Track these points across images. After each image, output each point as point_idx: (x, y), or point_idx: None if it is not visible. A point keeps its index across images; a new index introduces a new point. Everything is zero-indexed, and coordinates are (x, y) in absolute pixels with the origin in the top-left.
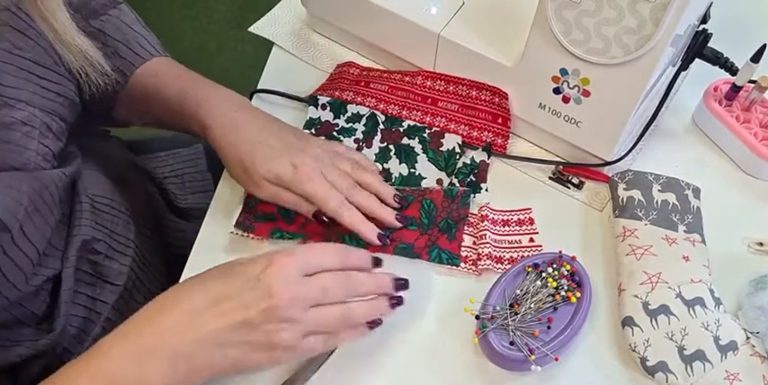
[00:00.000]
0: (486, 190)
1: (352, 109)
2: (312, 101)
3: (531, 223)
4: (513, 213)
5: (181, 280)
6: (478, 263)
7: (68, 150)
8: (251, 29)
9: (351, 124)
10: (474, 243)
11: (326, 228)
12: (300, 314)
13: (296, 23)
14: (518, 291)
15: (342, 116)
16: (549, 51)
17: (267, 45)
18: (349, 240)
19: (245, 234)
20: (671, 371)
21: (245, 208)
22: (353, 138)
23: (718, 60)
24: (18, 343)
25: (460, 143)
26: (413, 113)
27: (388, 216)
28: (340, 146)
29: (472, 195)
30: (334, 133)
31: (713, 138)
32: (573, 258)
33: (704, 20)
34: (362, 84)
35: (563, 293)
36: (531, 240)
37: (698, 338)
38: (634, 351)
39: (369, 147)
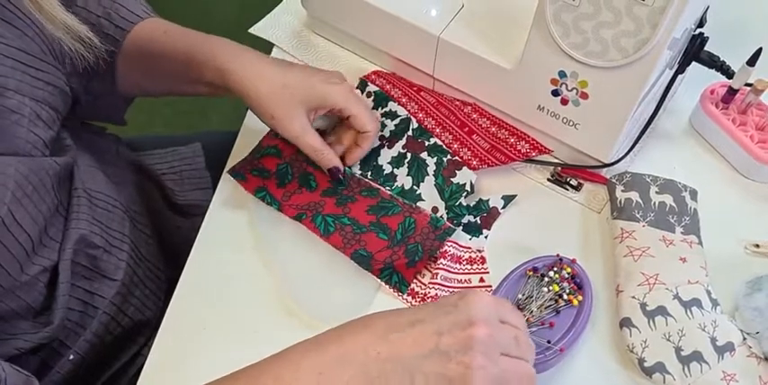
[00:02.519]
0: (486, 237)
1: (392, 106)
2: (361, 84)
3: (483, 262)
4: (467, 250)
5: (182, 277)
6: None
7: (63, 143)
8: (251, 30)
9: (384, 119)
10: (429, 280)
11: (332, 188)
12: (496, 355)
13: (296, 25)
14: (520, 296)
15: (380, 108)
16: (548, 54)
17: (268, 46)
18: (323, 223)
19: (237, 181)
20: (668, 372)
21: (247, 158)
22: (380, 134)
23: (715, 63)
24: (15, 336)
25: (473, 183)
26: (444, 134)
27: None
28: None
29: (469, 237)
30: None
31: (710, 141)
32: (573, 261)
33: (701, 23)
34: (415, 88)
35: (565, 296)
36: (482, 280)
37: (695, 339)
38: (632, 352)
39: (390, 147)
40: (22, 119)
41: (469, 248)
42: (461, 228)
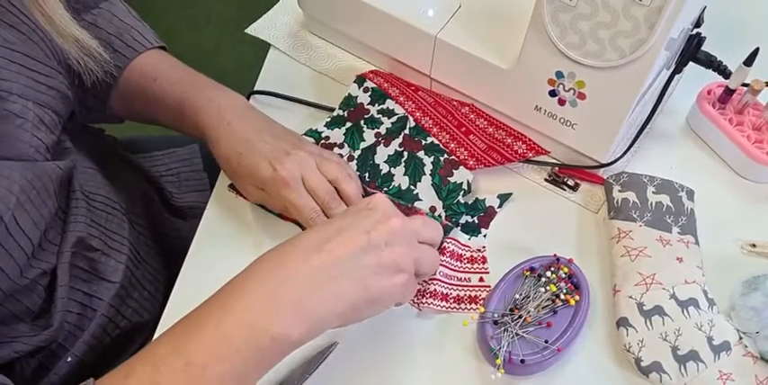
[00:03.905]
0: (485, 236)
1: (389, 103)
2: (359, 80)
3: (484, 262)
4: (467, 249)
5: (179, 279)
6: (422, 300)
7: (63, 146)
8: (248, 30)
9: (380, 116)
10: (429, 277)
11: None
12: (414, 241)
13: (293, 25)
14: (517, 296)
15: (377, 105)
16: (545, 54)
17: (265, 46)
18: None
19: (236, 194)
20: (665, 372)
21: None
22: (376, 131)
23: (712, 64)
24: (15, 339)
25: (470, 182)
26: (441, 134)
27: None
28: (333, 154)
29: (468, 237)
30: (362, 122)
31: (707, 141)
32: (570, 261)
33: (698, 23)
34: (413, 88)
35: (562, 296)
36: (481, 280)
37: (691, 339)
38: (629, 351)
39: (386, 145)
40: (25, 123)
41: (469, 247)
42: (459, 228)
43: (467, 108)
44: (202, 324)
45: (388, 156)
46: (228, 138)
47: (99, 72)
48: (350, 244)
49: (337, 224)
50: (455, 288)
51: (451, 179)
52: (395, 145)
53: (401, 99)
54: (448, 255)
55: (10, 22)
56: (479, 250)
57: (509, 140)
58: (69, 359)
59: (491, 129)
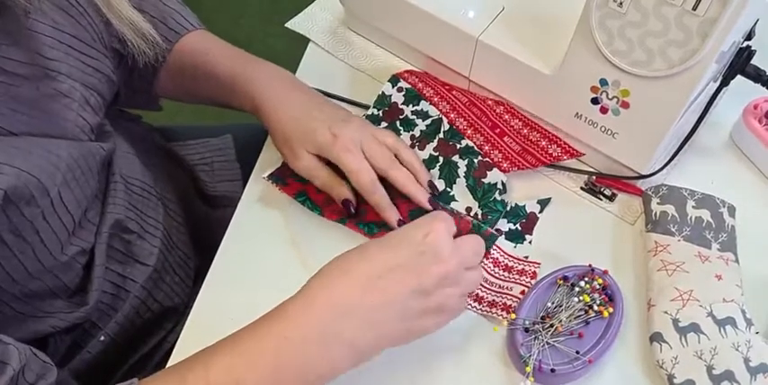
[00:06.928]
0: (530, 243)
1: (423, 105)
2: (393, 80)
3: (533, 277)
4: (520, 262)
5: (212, 267)
6: None
7: (104, 129)
8: (287, 24)
9: (415, 117)
10: None
11: (349, 216)
12: (462, 276)
13: (332, 21)
14: (549, 304)
15: (411, 106)
16: (590, 61)
17: (297, 41)
18: (366, 227)
19: (276, 186)
20: None
21: (285, 163)
22: (411, 133)
23: (761, 78)
24: (51, 314)
25: (504, 182)
26: (475, 135)
27: (422, 195)
28: (385, 129)
29: (513, 244)
30: (397, 123)
31: (750, 157)
32: (605, 272)
33: (749, 36)
34: (447, 87)
35: (596, 307)
36: (523, 292)
37: (728, 358)
38: (662, 367)
39: (421, 149)
40: (72, 103)
41: (520, 260)
42: (504, 236)
43: (501, 107)
44: (260, 353)
45: (423, 159)
46: (284, 105)
47: (150, 54)
48: (401, 285)
49: (387, 252)
50: (492, 293)
51: (485, 180)
52: (429, 149)
53: (435, 99)
54: (491, 261)
55: (60, 5)
56: (533, 264)
57: (543, 143)
58: (102, 338)
59: (526, 131)
